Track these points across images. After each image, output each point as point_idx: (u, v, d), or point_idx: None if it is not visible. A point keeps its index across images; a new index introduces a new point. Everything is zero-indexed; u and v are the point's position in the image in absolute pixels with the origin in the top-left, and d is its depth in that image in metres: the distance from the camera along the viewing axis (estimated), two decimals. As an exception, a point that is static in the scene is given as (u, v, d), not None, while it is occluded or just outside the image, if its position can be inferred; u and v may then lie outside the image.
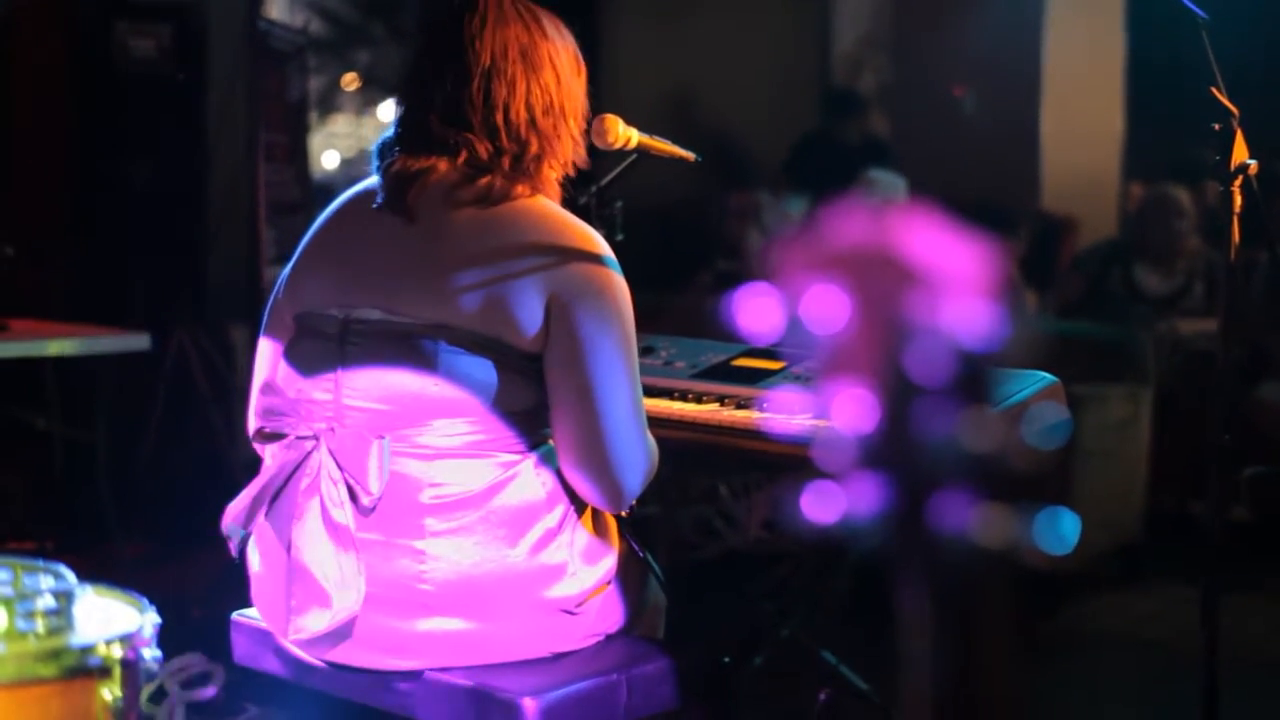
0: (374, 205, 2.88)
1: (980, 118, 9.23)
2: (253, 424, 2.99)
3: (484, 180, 2.82)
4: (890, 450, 0.93)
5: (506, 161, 2.84)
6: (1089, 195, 9.23)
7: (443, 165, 2.84)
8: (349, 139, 20.85)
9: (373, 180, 2.94)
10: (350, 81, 19.83)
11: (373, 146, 3.00)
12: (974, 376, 0.92)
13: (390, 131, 2.97)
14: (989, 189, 8.13)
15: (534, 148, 2.86)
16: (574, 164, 2.98)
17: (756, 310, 0.93)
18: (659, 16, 11.42)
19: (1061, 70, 9.22)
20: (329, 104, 19.99)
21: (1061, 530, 0.96)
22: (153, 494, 6.79)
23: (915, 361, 0.91)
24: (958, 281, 0.90)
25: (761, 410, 3.18)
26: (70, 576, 2.44)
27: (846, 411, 0.94)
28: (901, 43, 9.95)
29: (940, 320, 0.90)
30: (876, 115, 11.34)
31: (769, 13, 12.37)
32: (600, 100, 3.16)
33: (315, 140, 17.89)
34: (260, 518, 2.89)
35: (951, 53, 9.36)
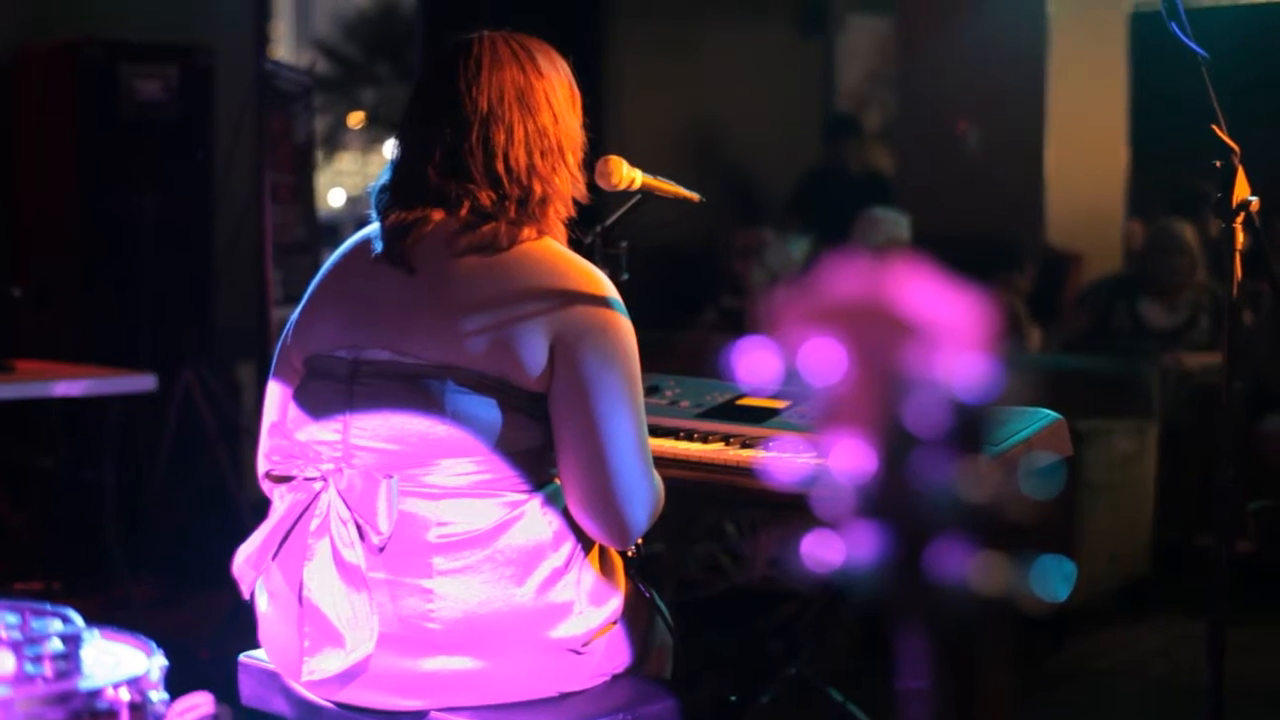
0: (373, 253, 2.90)
1: (984, 153, 9.25)
2: (262, 466, 3.00)
3: (488, 227, 2.83)
4: (887, 499, 0.95)
5: (512, 208, 2.86)
6: (1093, 230, 9.26)
7: (443, 215, 2.85)
8: (355, 177, 20.92)
9: (374, 227, 2.95)
10: (356, 120, 19.91)
11: (370, 189, 3.02)
12: (969, 426, 0.93)
13: (386, 176, 2.98)
14: (994, 224, 8.16)
15: (538, 191, 2.88)
16: (575, 199, 2.99)
17: (754, 362, 0.95)
18: (665, 55, 11.46)
19: (1065, 105, 9.25)
20: (335, 142, 20.07)
21: (1058, 577, 0.97)
22: (160, 534, 6.80)
23: (911, 411, 0.92)
24: (952, 332, 0.92)
25: (766, 450, 3.19)
26: (78, 620, 2.44)
27: (844, 460, 0.95)
28: (905, 79, 9.98)
29: (935, 371, 0.92)
30: (881, 151, 11.38)
31: (774, 51, 12.42)
32: (607, 138, 3.18)
33: (322, 179, 17.95)
34: (270, 560, 2.90)
35: (955, 89, 9.40)
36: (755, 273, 7.84)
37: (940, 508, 0.93)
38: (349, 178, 20.59)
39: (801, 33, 12.59)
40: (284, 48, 17.50)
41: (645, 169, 3.44)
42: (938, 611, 0.96)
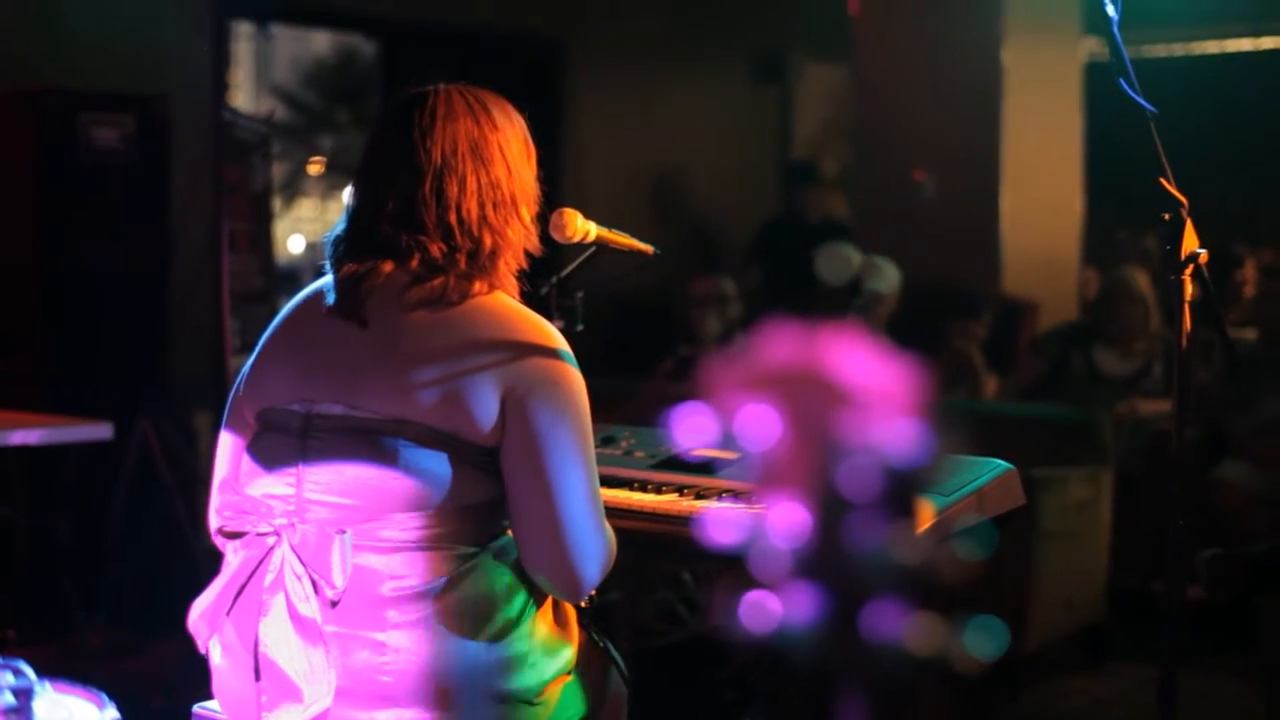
0: (325, 305, 2.91)
1: (940, 202, 9.30)
2: (213, 522, 3.00)
3: (437, 281, 2.84)
4: (823, 561, 0.96)
5: (462, 260, 2.87)
6: (1049, 278, 9.31)
7: (394, 268, 2.86)
8: (315, 224, 20.89)
9: (327, 279, 2.96)
10: (316, 166, 19.90)
11: (324, 239, 3.03)
12: (901, 491, 0.95)
13: (341, 226, 2.99)
14: (950, 273, 8.20)
15: (489, 244, 2.89)
16: (528, 252, 3.01)
17: (691, 427, 0.97)
18: (622, 103, 11.51)
19: (1020, 154, 9.31)
20: (295, 189, 20.04)
21: (991, 637, 0.99)
22: (116, 582, 6.78)
23: (845, 476, 0.94)
24: (885, 397, 0.94)
25: (706, 508, 3.21)
26: (30, 673, 2.44)
27: (780, 523, 0.97)
28: (862, 128, 10.03)
29: (868, 436, 0.93)
30: (838, 199, 11.43)
31: (731, 99, 12.48)
32: (564, 188, 3.20)
33: (281, 226, 17.95)
34: (224, 615, 2.90)
35: (911, 138, 9.45)
36: (710, 320, 7.86)
37: (874, 570, 0.95)
38: (308, 224, 20.57)
39: (758, 81, 12.66)
40: (243, 94, 17.49)
41: (603, 218, 3.46)
42: (874, 672, 0.98)
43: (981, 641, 0.98)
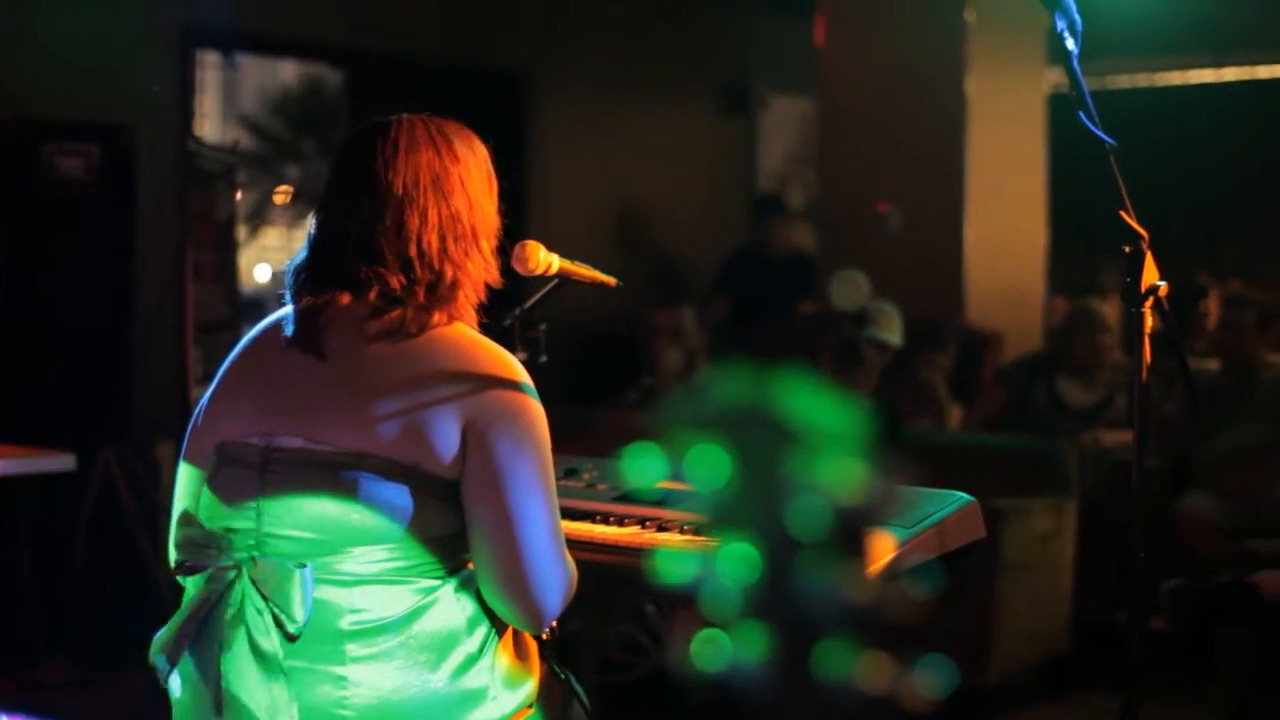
0: (284, 337, 2.90)
1: (905, 233, 9.33)
2: (173, 556, 2.99)
3: (396, 313, 2.84)
4: (773, 601, 0.96)
5: (421, 292, 2.86)
6: (1013, 309, 9.34)
7: (353, 300, 2.86)
8: (281, 252, 20.87)
9: (287, 310, 2.96)
10: (282, 195, 19.88)
11: (285, 268, 3.02)
12: (851, 531, 0.95)
13: (302, 256, 2.99)
14: (914, 304, 8.21)
15: (448, 276, 2.89)
16: (488, 284, 3.01)
17: (642, 465, 0.97)
18: (588, 136, 11.53)
19: (985, 185, 9.35)
20: (261, 217, 20.04)
21: (941, 675, 0.99)
22: (79, 615, 6.75)
23: (794, 516, 0.94)
24: (834, 438, 0.94)
25: (657, 543, 3.21)
26: (-12, 708, 2.43)
27: (730, 564, 0.97)
28: (826, 159, 10.06)
29: (817, 476, 0.94)
30: (803, 231, 11.46)
31: (696, 131, 12.51)
32: (530, 220, 3.20)
33: (247, 255, 17.93)
34: (185, 649, 2.89)
35: (875, 169, 9.48)
36: (671, 352, 7.87)
37: (824, 610, 0.95)
38: (274, 253, 20.54)
39: (723, 113, 12.69)
40: (210, 123, 17.48)
41: (568, 250, 3.47)
42: (824, 711, 0.98)
43: (932, 679, 0.99)
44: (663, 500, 3.40)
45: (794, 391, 0.95)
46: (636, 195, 11.87)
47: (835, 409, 0.95)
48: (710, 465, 0.97)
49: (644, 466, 0.97)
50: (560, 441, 2.94)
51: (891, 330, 7.61)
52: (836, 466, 0.95)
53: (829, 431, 0.94)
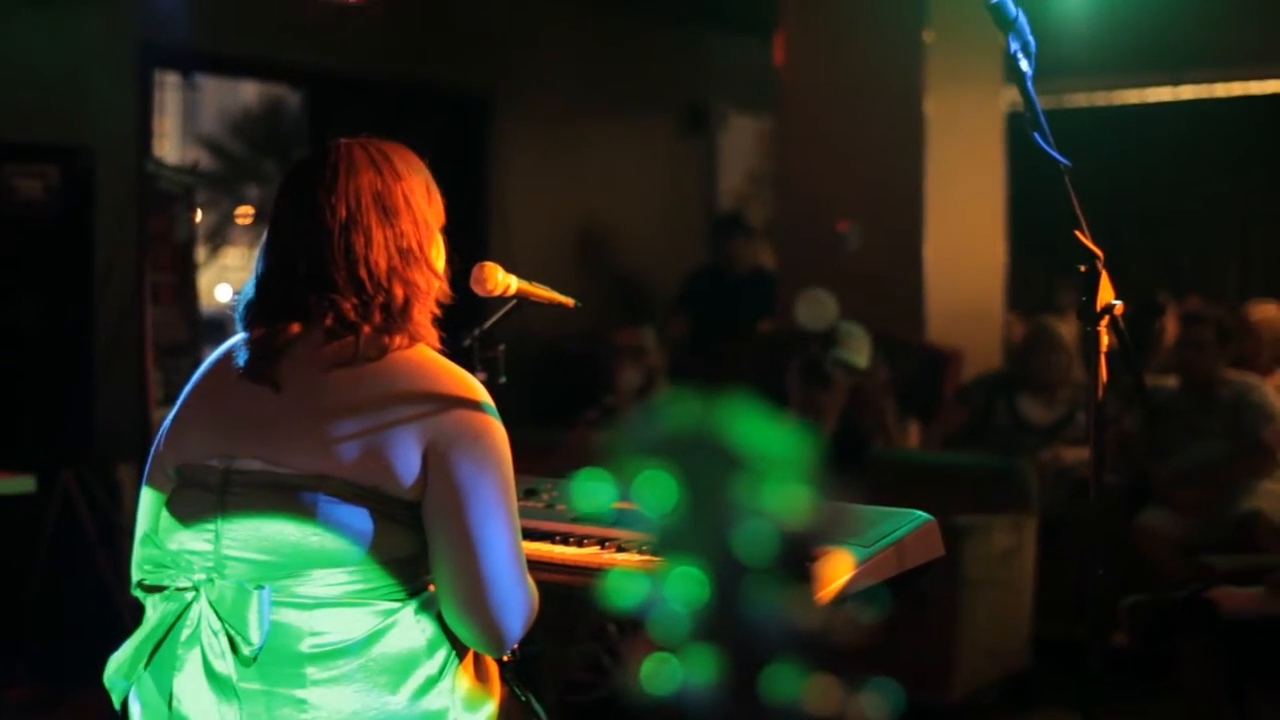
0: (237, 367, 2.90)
1: (864, 251, 9.35)
2: (135, 575, 2.99)
3: (350, 339, 2.84)
4: (721, 625, 0.97)
5: (376, 313, 2.87)
6: (972, 327, 9.37)
7: (301, 328, 2.86)
8: (241, 272, 20.84)
9: (241, 337, 2.96)
10: (243, 215, 19.87)
11: (236, 302, 3.02)
12: (798, 556, 0.96)
13: (251, 288, 2.99)
14: (874, 322, 8.23)
15: (400, 295, 2.89)
16: (451, 303, 3.01)
17: (590, 492, 0.98)
18: (548, 155, 11.55)
19: (943, 203, 9.38)
20: (222, 237, 20.02)
21: (887, 697, 1.00)
22: (37, 635, 6.73)
23: (741, 541, 0.95)
24: (781, 462, 0.95)
25: (609, 566, 3.22)
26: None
27: (679, 588, 0.98)
28: (785, 178, 10.08)
29: (764, 501, 0.95)
30: (763, 249, 11.49)
31: (656, 150, 12.53)
32: (491, 238, 3.21)
33: (208, 275, 17.90)
34: (141, 669, 2.89)
35: (834, 187, 9.50)
36: (629, 372, 7.87)
37: (773, 634, 0.96)
38: (235, 273, 20.51)
39: (683, 132, 12.72)
40: (170, 144, 17.47)
41: (530, 269, 3.49)
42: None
43: (880, 702, 1.00)
44: (620, 520, 3.41)
45: (742, 416, 0.96)
46: (597, 215, 11.88)
47: (782, 432, 0.96)
48: (658, 490, 0.98)
49: (593, 492, 0.98)
50: (522, 461, 2.95)
51: (859, 352, 7.62)
52: (783, 491, 0.96)
53: (776, 455, 0.95)
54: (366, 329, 2.85)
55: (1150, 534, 7.20)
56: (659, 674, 1.01)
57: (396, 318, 2.88)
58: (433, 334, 2.96)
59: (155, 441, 3.06)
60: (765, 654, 0.97)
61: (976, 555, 6.39)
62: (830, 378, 6.96)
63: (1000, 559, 6.60)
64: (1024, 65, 3.29)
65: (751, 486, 0.95)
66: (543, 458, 3.73)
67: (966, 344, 9.20)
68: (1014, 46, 3.27)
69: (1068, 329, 8.25)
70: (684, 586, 0.98)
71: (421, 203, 2.98)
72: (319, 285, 2.87)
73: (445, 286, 3.01)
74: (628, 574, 0.99)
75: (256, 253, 3.04)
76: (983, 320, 9.56)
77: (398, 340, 2.87)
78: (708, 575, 0.97)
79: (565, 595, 3.27)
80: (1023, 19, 3.27)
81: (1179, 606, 5.30)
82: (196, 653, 2.80)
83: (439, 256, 3.01)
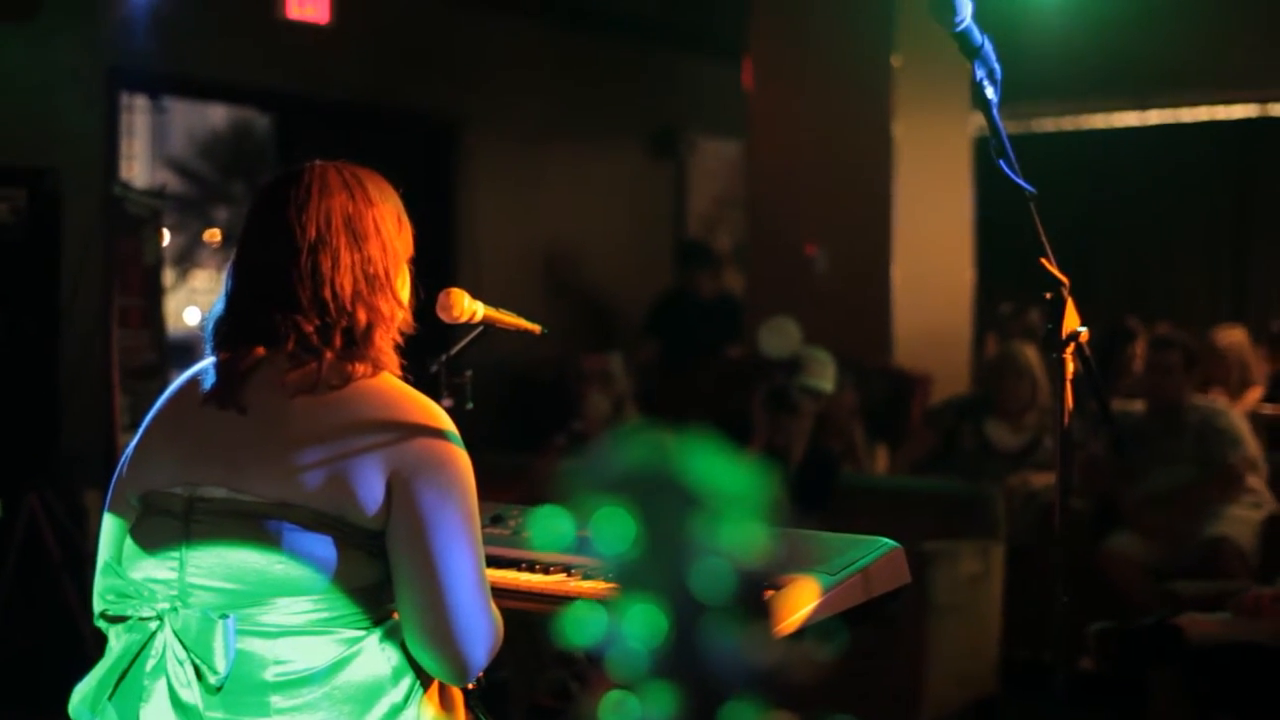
0: (204, 391, 2.89)
1: (832, 275, 9.37)
2: (97, 606, 2.97)
3: (313, 365, 2.83)
4: (679, 662, 0.97)
5: (338, 338, 2.86)
6: (940, 351, 9.38)
7: (269, 352, 2.85)
8: (210, 295, 20.81)
9: (208, 362, 2.95)
10: (212, 237, 19.86)
11: (205, 321, 3.01)
12: (754, 594, 0.96)
13: (219, 310, 2.98)
14: (842, 345, 8.24)
15: (363, 320, 2.88)
16: (402, 329, 3.00)
17: (548, 528, 0.97)
18: (517, 179, 11.55)
19: (911, 227, 9.40)
20: (190, 260, 19.99)
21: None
22: (1, 662, 6.69)
23: (698, 579, 0.95)
24: (738, 501, 0.95)
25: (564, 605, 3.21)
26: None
27: (637, 626, 0.97)
28: (754, 202, 10.10)
29: (721, 539, 0.94)
30: (732, 273, 11.51)
31: (625, 174, 12.54)
32: (459, 263, 3.21)
33: (176, 298, 17.86)
34: (105, 701, 2.87)
35: (803, 212, 9.52)
36: (594, 397, 7.86)
37: (730, 670, 0.96)
38: (203, 296, 20.48)
39: (652, 157, 12.74)
40: (139, 166, 17.43)
41: (498, 295, 3.49)
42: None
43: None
44: (584, 547, 3.39)
45: (701, 451, 0.96)
46: (565, 239, 11.89)
47: (742, 468, 0.95)
48: (616, 528, 0.98)
49: (552, 530, 0.97)
50: (489, 488, 2.94)
51: (825, 378, 7.62)
52: (740, 528, 0.95)
53: (734, 492, 0.95)
54: (329, 355, 2.84)
55: (1117, 559, 7.21)
56: (618, 711, 1.00)
57: (359, 343, 2.87)
58: (394, 361, 2.95)
59: (118, 468, 3.04)
60: (723, 691, 0.97)
61: (944, 581, 6.40)
62: (796, 405, 6.96)
63: (968, 584, 6.61)
64: (989, 93, 3.29)
65: (709, 524, 0.94)
66: (511, 484, 3.72)
67: (934, 368, 9.22)
68: (979, 74, 3.28)
69: (1035, 354, 8.27)
70: (642, 624, 0.97)
71: (391, 231, 2.98)
72: (283, 304, 2.86)
73: (409, 316, 3.01)
74: (587, 607, 0.99)
75: (225, 271, 3.03)
76: (950, 344, 9.59)
77: (360, 368, 2.86)
78: (665, 613, 0.96)
79: (531, 622, 3.26)
80: (988, 46, 3.27)
81: (1146, 633, 5.31)
82: (162, 682, 2.78)
83: (404, 286, 3.01)
